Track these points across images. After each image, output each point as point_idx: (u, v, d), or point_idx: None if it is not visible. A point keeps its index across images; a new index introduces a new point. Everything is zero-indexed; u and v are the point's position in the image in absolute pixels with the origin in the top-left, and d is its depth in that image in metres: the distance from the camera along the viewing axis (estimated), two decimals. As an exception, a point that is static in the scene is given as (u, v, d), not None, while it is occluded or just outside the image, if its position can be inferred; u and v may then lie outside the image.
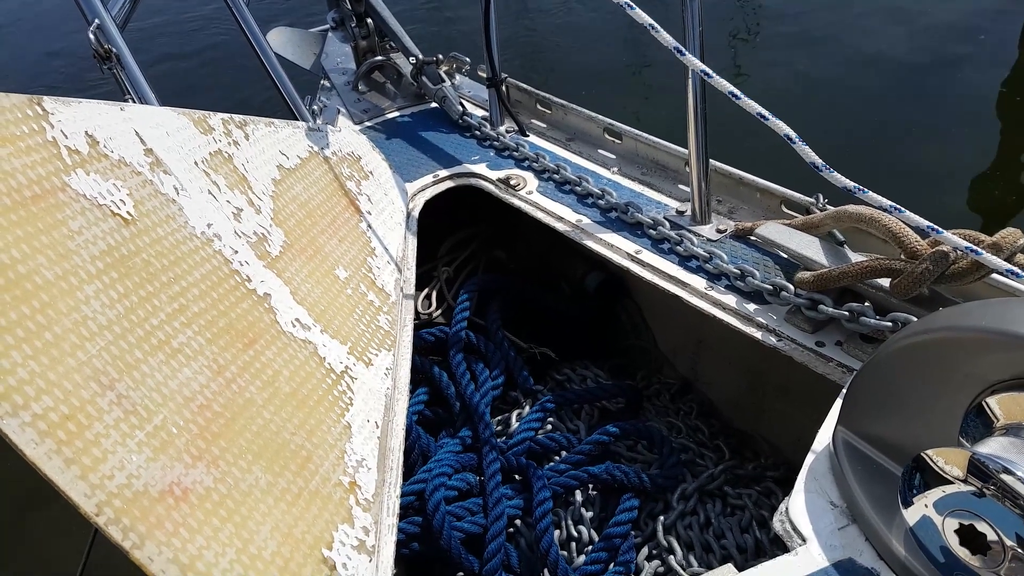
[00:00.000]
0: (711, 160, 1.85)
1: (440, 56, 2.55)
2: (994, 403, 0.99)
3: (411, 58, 2.56)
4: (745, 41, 6.00)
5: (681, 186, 2.06)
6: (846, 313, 1.46)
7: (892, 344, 1.11)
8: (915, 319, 1.40)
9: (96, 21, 1.55)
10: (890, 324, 1.40)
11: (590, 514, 1.67)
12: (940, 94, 4.97)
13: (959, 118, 4.70)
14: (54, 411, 0.99)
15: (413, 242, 2.03)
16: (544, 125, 2.45)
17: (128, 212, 1.27)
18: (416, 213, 2.13)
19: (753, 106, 1.45)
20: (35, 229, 1.11)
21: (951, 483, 0.89)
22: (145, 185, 1.33)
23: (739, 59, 5.72)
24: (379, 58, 2.68)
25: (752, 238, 1.79)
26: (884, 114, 4.82)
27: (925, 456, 0.91)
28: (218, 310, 1.32)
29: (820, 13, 6.03)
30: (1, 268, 1.04)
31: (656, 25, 1.52)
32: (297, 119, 2.13)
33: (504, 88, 2.43)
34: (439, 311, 2.32)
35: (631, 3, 1.54)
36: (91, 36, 1.53)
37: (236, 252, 1.45)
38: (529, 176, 2.19)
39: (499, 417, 1.97)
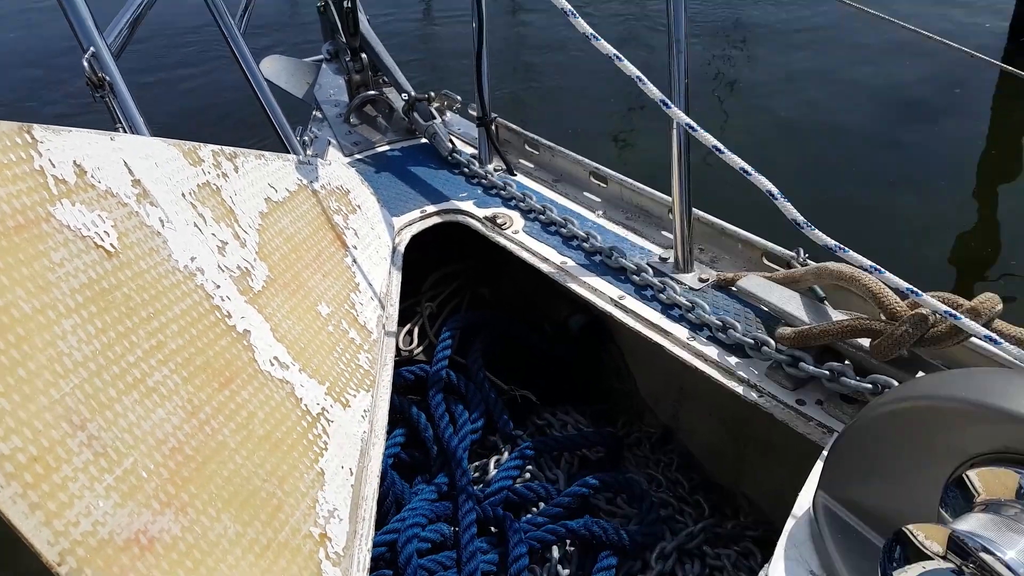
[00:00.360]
0: (694, 209, 1.87)
1: (432, 93, 2.57)
2: (974, 476, 0.99)
3: (403, 94, 2.57)
4: (728, 87, 6.10)
5: (664, 232, 2.08)
6: (827, 373, 1.47)
7: (873, 410, 1.11)
8: (895, 382, 1.41)
9: (91, 49, 1.54)
10: (870, 386, 1.41)
11: (567, 571, 1.65)
12: (918, 146, 5.08)
13: (937, 170, 4.80)
14: (22, 452, 0.96)
15: (398, 277, 2.02)
16: (532, 165, 2.47)
17: (112, 244, 1.25)
18: (402, 248, 2.13)
19: (736, 161, 1.46)
20: (16, 260, 1.09)
21: (931, 559, 0.88)
22: (131, 217, 1.32)
23: (721, 104, 5.81)
24: (372, 92, 2.70)
25: (734, 289, 1.81)
26: (863, 164, 4.91)
27: (906, 531, 0.91)
28: (196, 347, 1.30)
29: (802, 64, 6.15)
30: None
31: (643, 78, 1.54)
32: (288, 150, 2.13)
33: (494, 127, 2.45)
34: (420, 348, 2.31)
35: (619, 55, 1.56)
36: (85, 64, 1.52)
37: (218, 287, 1.43)
38: (515, 215, 2.20)
39: (477, 462, 1.95)
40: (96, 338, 1.14)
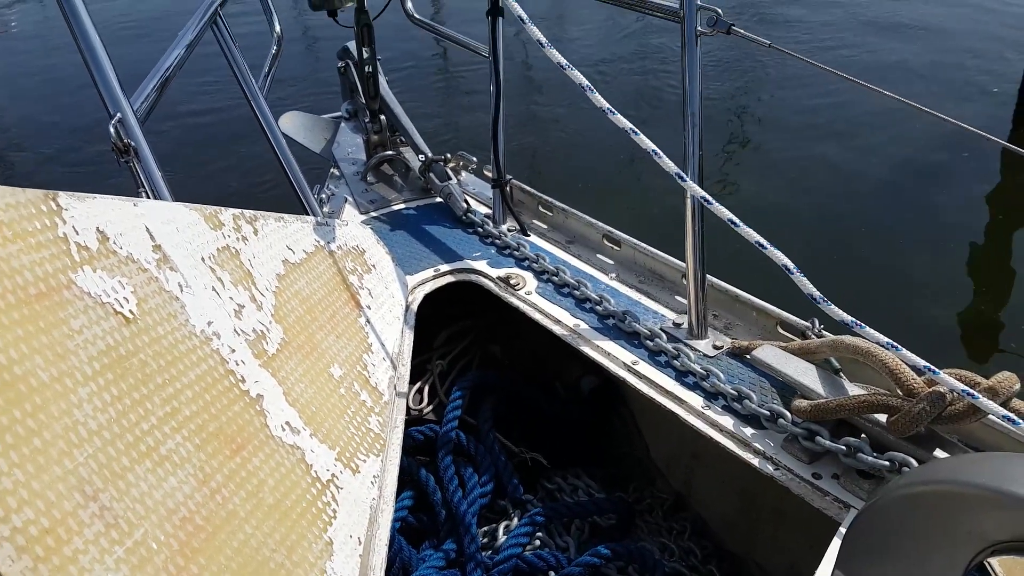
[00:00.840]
0: (708, 275, 1.87)
1: (448, 155, 2.62)
2: (996, 564, 0.98)
3: (420, 155, 2.61)
4: (740, 148, 6.16)
5: (678, 297, 2.08)
6: (843, 448, 1.45)
7: (892, 491, 1.10)
8: (913, 460, 1.40)
9: (118, 115, 1.57)
10: (888, 463, 1.40)
11: (577, 641, 1.62)
12: (928, 208, 5.10)
13: (945, 232, 4.81)
14: (35, 524, 0.96)
15: (410, 336, 2.02)
16: (545, 226, 2.49)
17: (131, 310, 1.26)
18: (415, 307, 2.14)
19: (752, 235, 1.48)
20: (36, 328, 1.10)
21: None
22: (150, 282, 1.33)
23: (731, 165, 5.86)
24: (389, 152, 2.74)
25: (748, 357, 1.80)
26: (873, 225, 4.92)
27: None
28: (209, 413, 1.30)
29: (812, 127, 6.21)
30: None
31: (659, 151, 1.57)
32: (306, 209, 2.16)
33: (508, 189, 2.48)
34: (430, 407, 2.30)
35: (635, 129, 1.59)
36: (111, 130, 1.54)
37: (234, 351, 1.44)
38: (529, 276, 2.21)
39: (486, 527, 1.93)
40: (111, 406, 1.14)
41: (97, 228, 1.29)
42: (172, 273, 1.39)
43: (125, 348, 1.22)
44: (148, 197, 1.62)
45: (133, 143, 1.57)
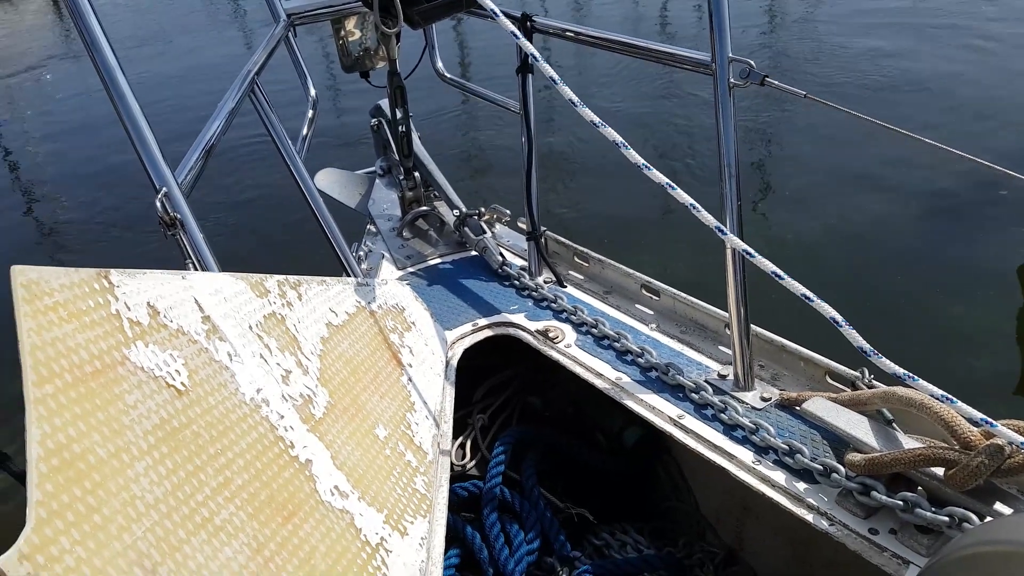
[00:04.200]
0: (752, 325, 1.85)
1: (482, 208, 2.65)
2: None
3: (455, 210, 2.65)
4: (766, 193, 6.11)
5: (721, 347, 2.06)
6: (900, 503, 1.42)
7: (953, 551, 1.07)
8: (973, 515, 1.36)
9: (164, 189, 1.61)
10: (947, 519, 1.36)
11: None
12: (963, 253, 4.98)
13: (981, 279, 4.68)
14: None
15: (451, 393, 2.03)
16: (582, 277, 2.50)
17: (182, 382, 1.29)
18: (455, 362, 2.15)
19: (797, 287, 1.46)
20: (92, 406, 1.13)
21: None
22: (200, 353, 1.36)
23: (759, 211, 5.81)
24: (424, 208, 2.78)
25: (797, 409, 1.77)
26: (906, 272, 4.82)
27: None
28: (261, 481, 1.31)
29: (847, 168, 6.14)
30: (57, 448, 1.04)
31: (697, 205, 1.57)
32: (346, 270, 2.20)
33: (543, 240, 2.50)
34: (473, 462, 2.29)
35: (672, 184, 1.59)
36: (158, 204, 1.58)
37: (282, 417, 1.45)
38: (567, 328, 2.21)
39: (534, 585, 1.90)
40: (167, 479, 1.16)
41: (148, 303, 1.32)
42: (221, 343, 1.42)
43: (178, 420, 1.24)
44: (195, 268, 1.66)
45: (179, 216, 1.61)
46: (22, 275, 1.13)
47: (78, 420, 1.09)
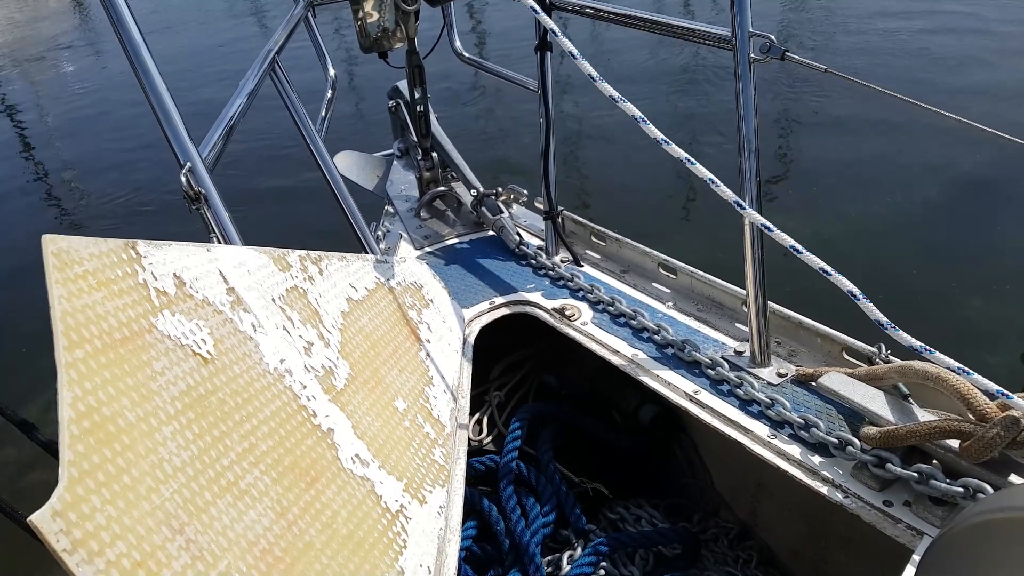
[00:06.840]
0: (769, 302, 1.86)
1: (499, 188, 2.66)
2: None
3: (472, 190, 2.66)
4: (780, 181, 6.05)
5: (739, 324, 2.06)
6: (915, 475, 1.43)
7: (967, 519, 1.08)
8: (987, 485, 1.36)
9: (188, 164, 1.65)
10: (961, 490, 1.37)
11: (645, 672, 1.60)
12: (981, 246, 4.92)
13: (1001, 273, 4.63)
14: (127, 557, 1.00)
15: (468, 369, 2.05)
16: (599, 256, 2.51)
17: (208, 351, 1.32)
18: (472, 339, 2.17)
19: (815, 261, 1.47)
20: (121, 371, 1.16)
21: None
22: (225, 324, 1.39)
23: (780, 199, 5.76)
24: (442, 188, 2.80)
25: (814, 384, 1.77)
26: (923, 263, 4.78)
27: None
28: (284, 448, 1.34)
29: (863, 165, 6.06)
30: (87, 411, 1.08)
31: (716, 179, 1.57)
32: (364, 247, 2.22)
33: (560, 220, 2.51)
34: (489, 438, 2.32)
35: (691, 158, 1.60)
36: (183, 179, 1.61)
37: (305, 387, 1.48)
38: (584, 306, 2.22)
39: (549, 557, 1.92)
40: (193, 443, 1.19)
41: (174, 274, 1.35)
42: (245, 314, 1.45)
43: (204, 388, 1.27)
44: (219, 242, 1.69)
45: (203, 190, 1.64)
46: (53, 244, 1.16)
47: (107, 384, 1.12)
